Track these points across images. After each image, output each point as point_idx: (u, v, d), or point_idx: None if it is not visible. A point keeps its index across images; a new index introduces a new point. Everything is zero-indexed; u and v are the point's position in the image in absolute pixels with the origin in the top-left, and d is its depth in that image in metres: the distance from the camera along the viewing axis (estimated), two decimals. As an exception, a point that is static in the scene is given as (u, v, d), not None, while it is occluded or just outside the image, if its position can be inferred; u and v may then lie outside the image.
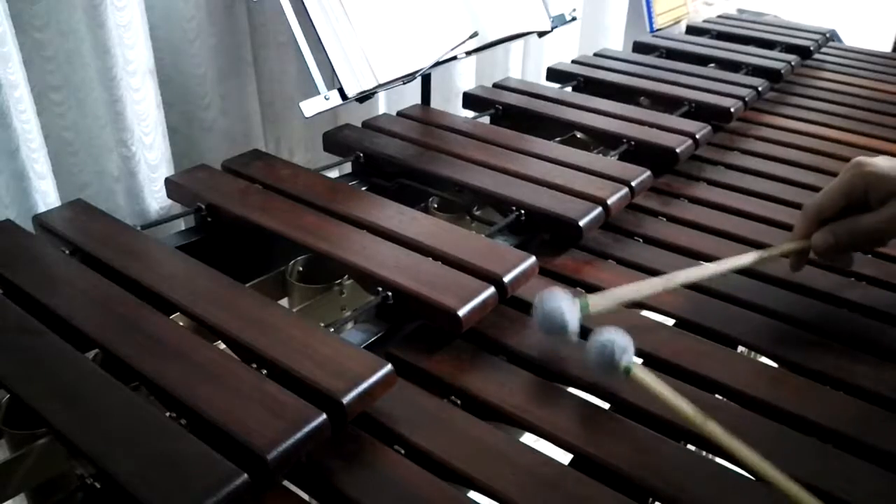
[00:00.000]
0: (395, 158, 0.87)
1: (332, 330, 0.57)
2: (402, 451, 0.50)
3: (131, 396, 0.48)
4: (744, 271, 0.68)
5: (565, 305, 0.57)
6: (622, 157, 0.91)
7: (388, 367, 0.51)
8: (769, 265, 0.68)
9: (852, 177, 0.64)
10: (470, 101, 1.11)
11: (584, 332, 0.58)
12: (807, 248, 0.67)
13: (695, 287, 0.68)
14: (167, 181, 0.81)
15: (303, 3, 0.80)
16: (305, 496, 0.48)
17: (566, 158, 0.87)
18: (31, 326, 0.54)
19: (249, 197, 0.75)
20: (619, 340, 0.54)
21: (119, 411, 0.46)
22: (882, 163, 0.64)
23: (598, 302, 0.60)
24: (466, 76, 1.28)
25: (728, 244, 0.76)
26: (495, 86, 1.14)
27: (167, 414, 0.48)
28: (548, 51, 1.47)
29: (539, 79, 1.28)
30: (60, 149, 0.82)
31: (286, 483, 0.48)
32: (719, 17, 1.72)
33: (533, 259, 0.65)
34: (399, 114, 1.01)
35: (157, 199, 0.86)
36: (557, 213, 0.74)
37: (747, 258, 0.67)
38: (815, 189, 0.88)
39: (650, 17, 1.70)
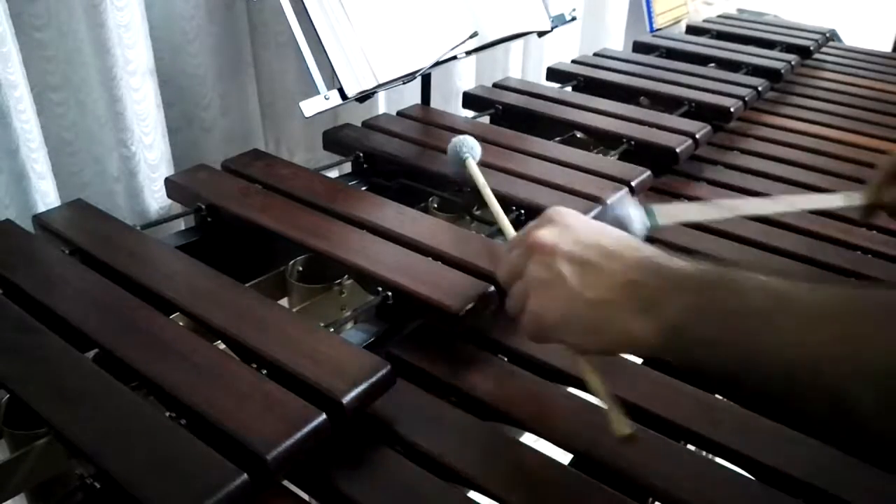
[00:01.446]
0: (395, 158, 0.87)
1: (332, 330, 0.57)
2: (402, 451, 0.50)
3: (131, 396, 0.48)
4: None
5: (634, 214, 0.62)
6: (622, 157, 0.91)
7: (388, 367, 0.51)
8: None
9: None
10: (470, 101, 1.11)
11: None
12: (879, 206, 0.66)
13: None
14: (167, 181, 0.81)
15: (303, 3, 0.80)
16: (305, 496, 0.48)
17: (566, 158, 0.87)
18: (31, 326, 0.54)
19: (249, 197, 0.75)
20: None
21: (119, 411, 0.46)
22: None
23: (665, 216, 0.63)
24: (466, 76, 1.28)
25: (728, 244, 0.76)
26: (495, 86, 1.14)
27: (167, 414, 0.48)
28: (548, 51, 1.47)
29: (539, 79, 1.28)
30: (60, 149, 0.82)
31: (286, 483, 0.48)
32: (719, 17, 1.72)
33: (533, 259, 0.64)
34: (399, 114, 1.01)
35: (157, 199, 0.86)
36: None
37: (814, 202, 0.67)
38: (816, 189, 0.89)
39: (650, 17, 1.70)
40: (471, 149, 0.75)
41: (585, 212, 0.75)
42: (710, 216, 0.64)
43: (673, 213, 0.64)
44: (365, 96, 0.86)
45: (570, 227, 0.48)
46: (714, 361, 0.40)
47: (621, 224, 0.63)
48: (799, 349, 0.36)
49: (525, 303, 0.48)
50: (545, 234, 0.48)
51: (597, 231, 0.48)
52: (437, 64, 0.93)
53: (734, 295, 0.40)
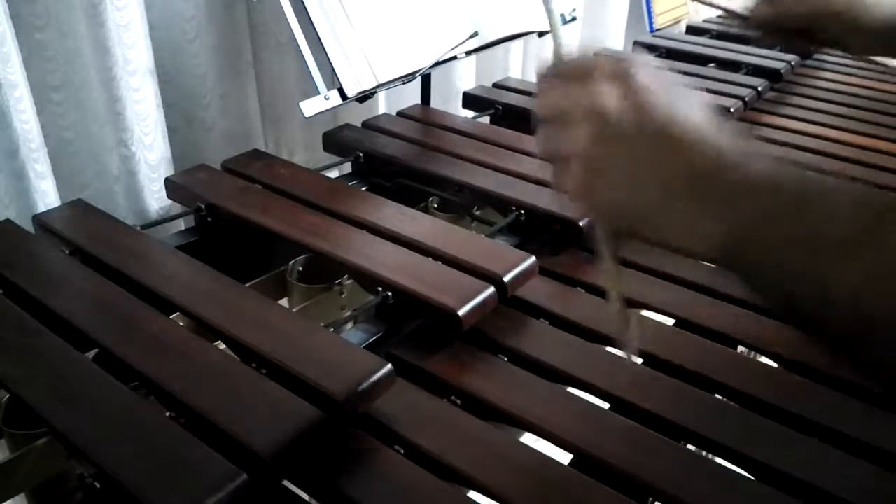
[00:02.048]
0: (395, 158, 0.87)
1: (332, 330, 0.57)
2: (402, 451, 0.50)
3: (131, 396, 0.48)
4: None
5: None
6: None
7: (388, 367, 0.51)
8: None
9: None
10: (470, 101, 1.11)
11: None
12: (744, 16, 0.79)
13: (694, 286, 0.69)
14: (167, 181, 0.81)
15: (303, 3, 0.80)
16: (305, 496, 0.48)
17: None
18: (32, 326, 0.54)
19: (249, 197, 0.75)
20: None
21: (119, 411, 0.46)
22: None
23: None
24: (466, 76, 1.28)
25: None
26: (495, 86, 1.14)
27: (167, 414, 0.48)
28: (548, 51, 1.47)
29: (539, 79, 1.27)
30: (60, 149, 0.82)
31: (286, 483, 0.48)
32: (719, 17, 1.72)
33: (533, 259, 0.65)
34: (399, 114, 1.01)
35: (157, 199, 0.86)
36: (557, 213, 0.74)
37: None
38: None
39: (650, 17, 1.70)
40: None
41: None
42: None
43: None
44: (365, 96, 0.86)
45: (643, 91, 0.40)
46: (775, 284, 0.36)
47: None
48: (889, 296, 0.32)
49: (574, 167, 0.41)
50: (610, 99, 0.40)
51: (676, 99, 0.40)
52: (437, 64, 0.93)
53: (820, 218, 0.35)
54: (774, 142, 1.03)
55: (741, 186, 0.37)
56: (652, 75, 0.41)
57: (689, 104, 0.40)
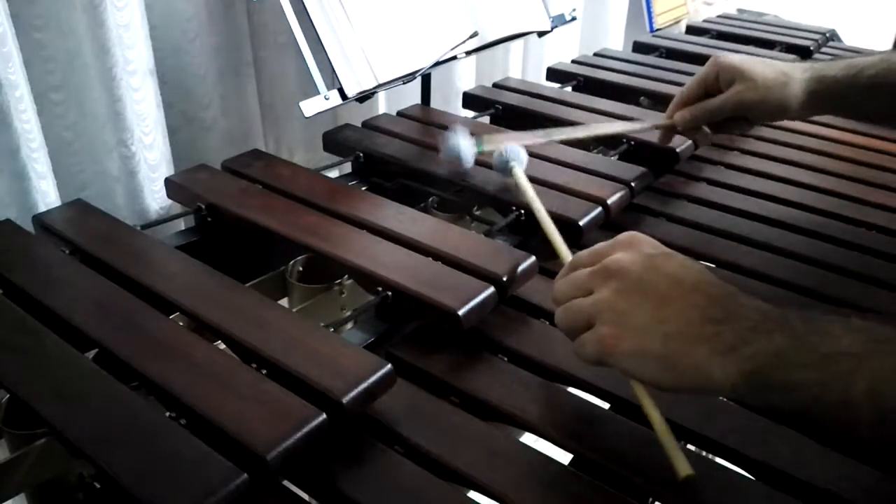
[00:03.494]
0: (395, 158, 0.87)
1: (332, 330, 0.57)
2: (402, 451, 0.50)
3: (131, 396, 0.48)
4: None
5: (463, 142, 0.79)
6: (622, 157, 0.91)
7: (388, 367, 0.51)
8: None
9: (708, 66, 0.79)
10: (470, 101, 1.11)
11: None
12: (673, 126, 0.82)
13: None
14: (167, 181, 0.81)
15: (303, 3, 0.80)
16: (305, 496, 0.48)
17: (566, 158, 0.87)
18: (31, 326, 0.54)
19: (249, 197, 0.75)
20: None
21: (119, 411, 0.46)
22: (732, 56, 0.78)
23: (489, 142, 0.80)
24: (466, 76, 1.28)
25: (728, 244, 0.76)
26: (495, 86, 1.14)
27: (167, 414, 0.48)
28: (548, 51, 1.47)
29: (539, 79, 1.28)
30: (60, 149, 0.82)
31: (286, 483, 0.48)
32: (719, 17, 1.72)
33: (533, 259, 0.65)
34: (399, 114, 1.01)
35: (157, 199, 0.86)
36: (557, 213, 0.74)
37: (622, 126, 0.90)
38: (815, 189, 0.89)
39: (650, 17, 1.70)
40: (517, 157, 0.77)
41: (586, 212, 0.75)
42: (529, 141, 0.81)
43: (497, 139, 0.80)
44: (365, 96, 0.86)
45: (650, 256, 0.46)
46: (797, 404, 0.39)
47: (455, 153, 0.79)
48: None
49: (588, 326, 0.46)
50: (626, 259, 0.46)
51: (677, 262, 0.46)
52: (437, 64, 0.93)
53: (825, 338, 0.39)
54: (775, 142, 1.03)
55: (751, 325, 0.41)
56: (654, 242, 0.49)
57: (689, 261, 0.46)
